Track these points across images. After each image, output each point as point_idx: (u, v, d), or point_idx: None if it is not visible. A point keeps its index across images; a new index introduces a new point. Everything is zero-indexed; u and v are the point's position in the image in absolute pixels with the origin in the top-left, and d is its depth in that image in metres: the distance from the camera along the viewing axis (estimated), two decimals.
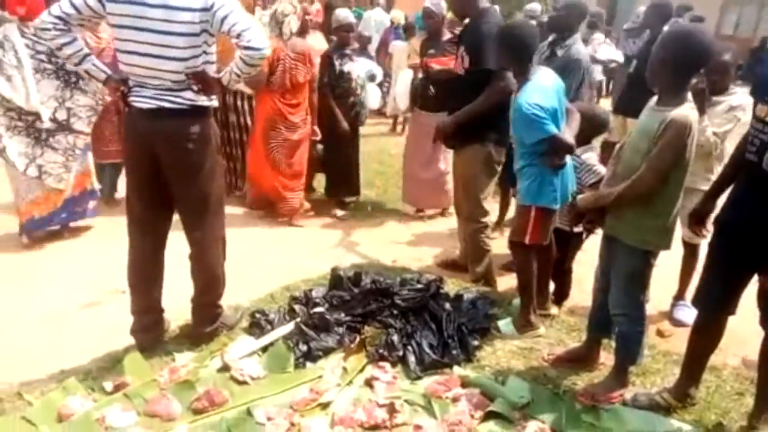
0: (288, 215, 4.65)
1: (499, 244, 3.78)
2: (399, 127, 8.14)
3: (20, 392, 2.41)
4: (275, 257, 3.93)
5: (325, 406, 2.40)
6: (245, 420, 2.30)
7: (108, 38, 4.01)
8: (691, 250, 3.20)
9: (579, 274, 3.37)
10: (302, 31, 4.84)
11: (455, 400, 2.44)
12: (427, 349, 2.72)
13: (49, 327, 2.98)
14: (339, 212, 4.86)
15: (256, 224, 4.60)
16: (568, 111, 2.86)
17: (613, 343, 2.59)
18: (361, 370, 2.64)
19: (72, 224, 4.18)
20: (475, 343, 2.84)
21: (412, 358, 2.68)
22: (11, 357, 2.67)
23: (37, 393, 2.41)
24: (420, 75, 4.65)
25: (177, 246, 2.70)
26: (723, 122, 2.95)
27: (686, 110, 2.17)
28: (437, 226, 4.75)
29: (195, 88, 2.40)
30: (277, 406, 2.38)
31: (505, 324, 2.99)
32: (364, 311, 3.00)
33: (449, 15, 4.68)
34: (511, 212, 4.24)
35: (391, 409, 2.35)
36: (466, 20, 3.47)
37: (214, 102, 2.58)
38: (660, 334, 3.14)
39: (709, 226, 2.45)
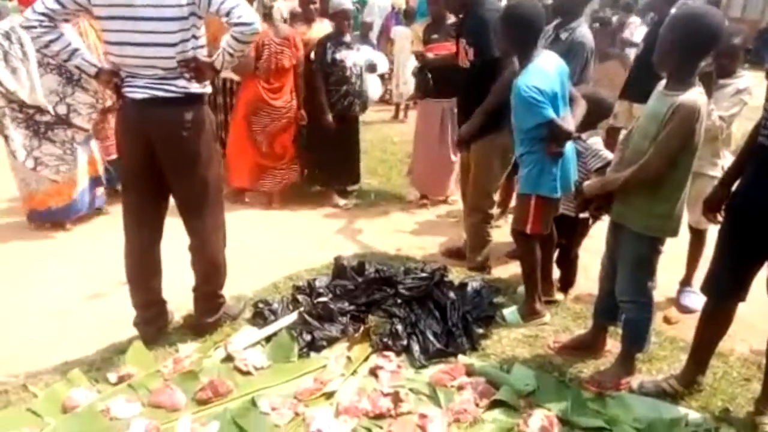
0: (270, 191, 4.61)
1: (502, 233, 3.75)
2: (401, 114, 8.09)
3: (25, 384, 2.42)
4: (278, 247, 3.92)
5: (329, 395, 2.39)
6: (249, 410, 2.29)
7: None
8: (698, 236, 3.16)
9: (585, 261, 3.35)
10: (308, 20, 4.80)
11: (460, 388, 2.43)
12: (432, 338, 2.70)
13: (53, 319, 2.98)
14: (341, 201, 4.82)
15: (258, 213, 4.58)
16: (574, 98, 2.80)
17: (619, 330, 2.57)
18: (366, 360, 2.63)
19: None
20: (480, 331, 2.82)
21: (416, 347, 2.66)
22: (16, 349, 2.68)
23: (42, 385, 2.42)
24: (417, 63, 4.58)
25: (177, 236, 2.68)
26: (729, 106, 2.90)
27: (695, 95, 2.12)
28: (441, 215, 4.72)
29: (187, 76, 2.37)
30: (281, 396, 2.38)
31: (510, 312, 2.97)
32: (367, 300, 2.99)
33: None
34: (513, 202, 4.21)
35: (396, 398, 2.34)
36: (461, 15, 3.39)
37: (207, 89, 2.55)
38: (667, 320, 3.12)
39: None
